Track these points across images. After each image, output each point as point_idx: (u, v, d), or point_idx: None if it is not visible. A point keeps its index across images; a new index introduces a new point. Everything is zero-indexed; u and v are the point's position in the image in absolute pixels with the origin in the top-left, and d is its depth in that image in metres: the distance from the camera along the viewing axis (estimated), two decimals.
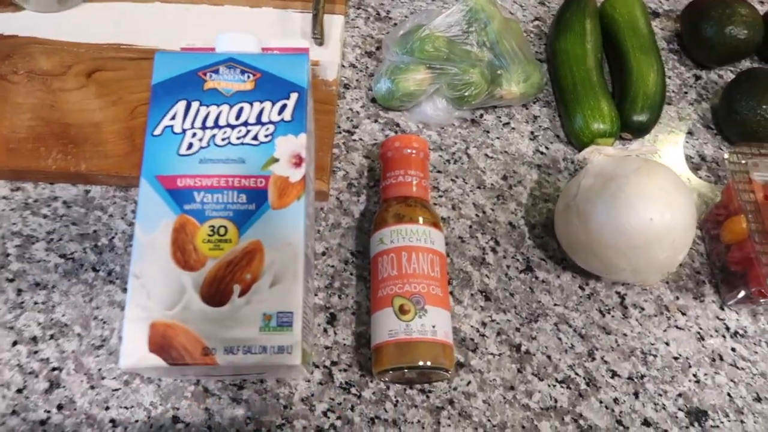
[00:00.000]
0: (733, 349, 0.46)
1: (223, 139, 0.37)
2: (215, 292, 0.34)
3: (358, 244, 0.48)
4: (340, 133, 0.53)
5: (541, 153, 0.54)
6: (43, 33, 0.53)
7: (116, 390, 0.41)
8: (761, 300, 0.45)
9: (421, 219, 0.43)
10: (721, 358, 0.46)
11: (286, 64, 0.40)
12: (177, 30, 0.54)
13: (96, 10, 0.55)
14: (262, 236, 0.35)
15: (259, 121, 0.38)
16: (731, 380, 0.45)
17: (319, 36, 0.53)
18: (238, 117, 0.38)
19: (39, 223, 0.47)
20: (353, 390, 0.43)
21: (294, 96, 0.39)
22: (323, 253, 0.47)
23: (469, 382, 0.44)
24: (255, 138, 0.38)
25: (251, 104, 0.38)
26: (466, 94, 0.51)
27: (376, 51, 0.58)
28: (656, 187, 0.42)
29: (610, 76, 0.58)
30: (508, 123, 0.55)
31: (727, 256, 0.48)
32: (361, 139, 0.53)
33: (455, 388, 0.43)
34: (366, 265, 0.47)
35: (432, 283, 0.41)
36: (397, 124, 0.54)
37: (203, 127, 0.38)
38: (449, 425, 0.42)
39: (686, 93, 0.59)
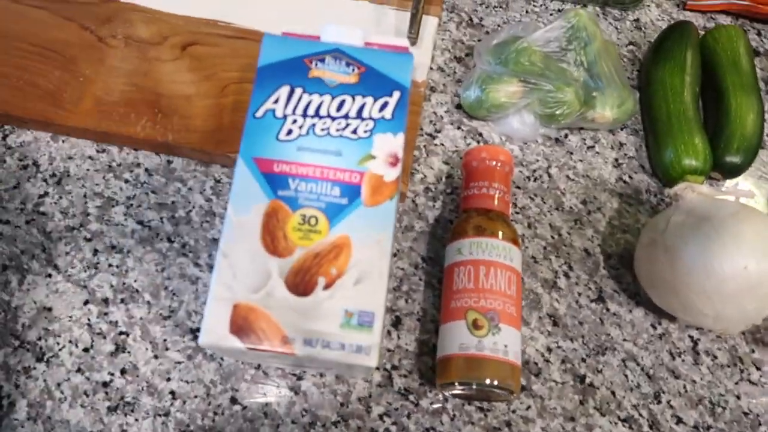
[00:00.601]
0: None
1: (322, 129, 0.37)
2: (300, 282, 0.34)
3: (430, 250, 0.47)
4: (422, 135, 0.53)
5: (624, 182, 0.53)
6: (144, 1, 0.54)
7: (179, 363, 0.42)
8: None
9: (501, 234, 0.42)
10: None
11: (391, 61, 0.39)
12: (274, 14, 0.54)
13: None
14: (352, 232, 0.35)
15: (359, 116, 0.38)
16: None
17: (414, 36, 0.53)
18: (339, 109, 0.38)
19: (120, 186, 0.47)
20: (411, 397, 0.42)
21: (396, 94, 0.38)
22: (394, 255, 0.47)
23: (529, 407, 0.42)
24: (354, 132, 0.37)
25: (353, 98, 0.38)
26: (558, 112, 0.50)
27: (466, 57, 0.57)
28: (754, 234, 0.40)
29: (703, 111, 0.56)
30: (592, 147, 0.54)
31: None
32: (442, 144, 0.52)
33: (514, 411, 0.42)
34: (436, 272, 0.46)
35: (507, 301, 0.40)
36: (480, 134, 0.53)
37: (304, 115, 0.37)
38: None
39: None
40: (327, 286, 0.34)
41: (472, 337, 0.39)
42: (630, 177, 0.53)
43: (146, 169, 0.48)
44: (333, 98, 0.38)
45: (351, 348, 0.33)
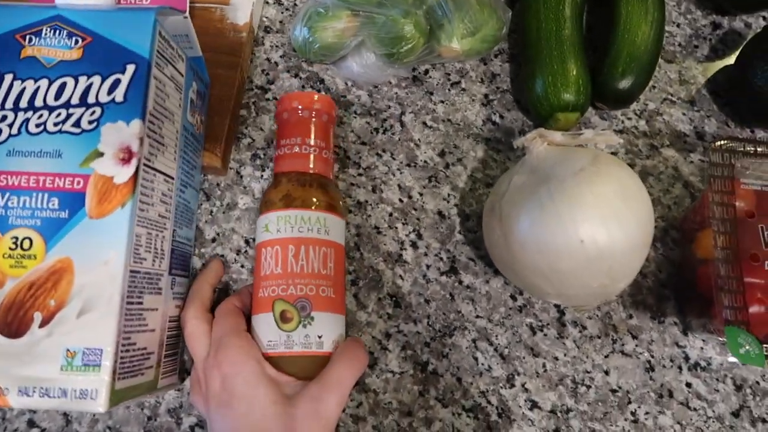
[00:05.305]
0: (689, 385, 0.39)
1: (37, 126, 0.30)
2: (12, 320, 0.29)
3: (255, 230, 0.41)
4: (251, 90, 0.45)
5: (493, 123, 0.44)
6: None
7: None
8: (719, 339, 0.36)
9: (315, 202, 0.36)
10: (671, 395, 0.38)
11: (126, 23, 0.31)
12: None
13: None
14: (74, 252, 0.29)
15: (84, 102, 0.31)
16: (678, 422, 0.38)
17: None
18: (58, 96, 0.31)
19: None
20: None
21: (130, 69, 0.31)
22: (213, 240, 0.41)
23: (360, 404, 0.38)
24: (77, 125, 0.30)
25: (76, 79, 0.31)
26: (394, 50, 0.41)
27: None
28: (595, 198, 0.32)
29: (598, 31, 0.46)
30: (458, 82, 0.45)
31: (698, 271, 0.38)
32: (275, 98, 0.45)
33: (343, 410, 0.38)
34: None
35: (322, 284, 0.35)
36: (322, 80, 0.45)
37: (15, 109, 0.31)
38: None
39: (697, 47, 0.47)
40: (44, 323, 0.29)
41: (280, 332, 0.34)
42: (501, 116, 0.45)
43: None
44: (51, 83, 0.31)
45: (74, 393, 0.28)
